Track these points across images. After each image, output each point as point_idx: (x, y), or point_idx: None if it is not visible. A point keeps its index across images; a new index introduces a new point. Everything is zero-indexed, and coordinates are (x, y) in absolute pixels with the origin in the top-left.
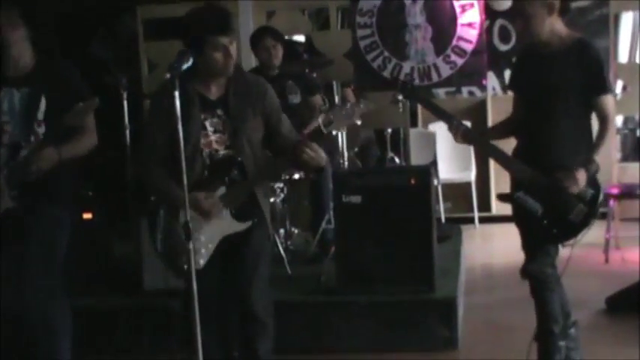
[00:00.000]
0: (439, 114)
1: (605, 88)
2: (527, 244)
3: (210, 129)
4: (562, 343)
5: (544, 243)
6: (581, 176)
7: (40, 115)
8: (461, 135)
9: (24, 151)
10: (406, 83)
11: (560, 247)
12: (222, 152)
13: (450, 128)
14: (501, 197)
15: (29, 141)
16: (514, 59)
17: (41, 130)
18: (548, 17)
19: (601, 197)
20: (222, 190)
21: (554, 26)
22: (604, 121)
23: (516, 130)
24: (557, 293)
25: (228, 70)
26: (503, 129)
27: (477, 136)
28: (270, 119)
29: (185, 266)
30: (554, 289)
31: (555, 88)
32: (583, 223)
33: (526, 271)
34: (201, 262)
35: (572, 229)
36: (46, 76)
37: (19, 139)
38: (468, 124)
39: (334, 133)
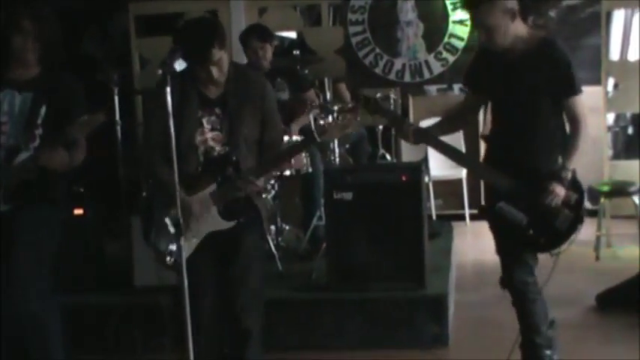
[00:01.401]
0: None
1: (573, 89)
2: (504, 252)
3: (207, 126)
4: (547, 352)
5: (525, 252)
6: (558, 189)
7: (40, 121)
8: (412, 134)
9: (23, 154)
10: (369, 99)
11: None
12: (218, 150)
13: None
14: (482, 210)
15: (29, 145)
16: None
17: (38, 132)
18: (511, 24)
19: (585, 200)
20: (213, 187)
21: (517, 30)
22: (574, 123)
23: (487, 137)
24: (539, 302)
25: (216, 81)
26: (451, 122)
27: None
28: (264, 119)
29: (170, 262)
30: (536, 298)
31: (524, 93)
32: (570, 229)
33: (506, 282)
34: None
35: (559, 237)
36: (51, 84)
37: (17, 141)
38: None
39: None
